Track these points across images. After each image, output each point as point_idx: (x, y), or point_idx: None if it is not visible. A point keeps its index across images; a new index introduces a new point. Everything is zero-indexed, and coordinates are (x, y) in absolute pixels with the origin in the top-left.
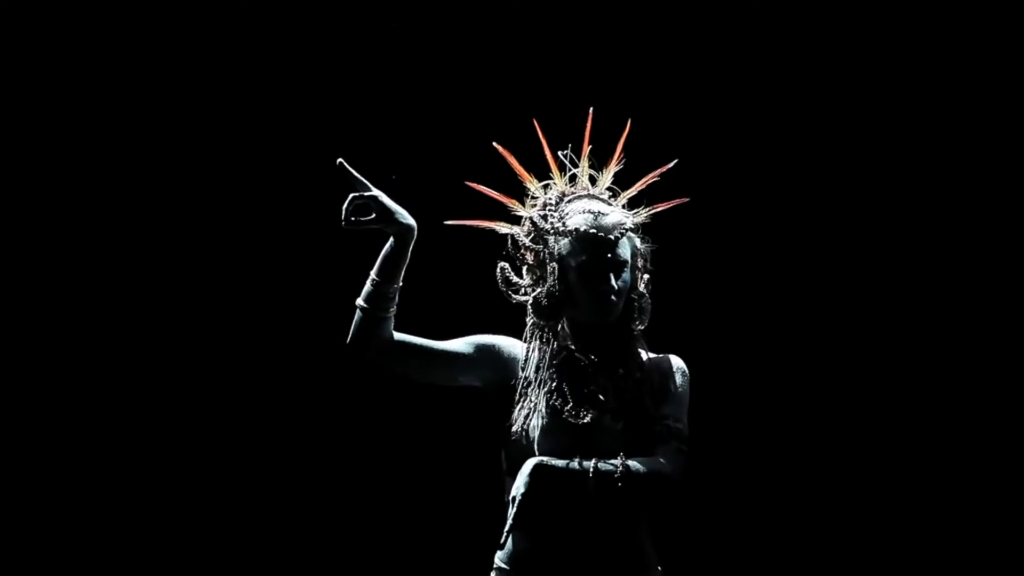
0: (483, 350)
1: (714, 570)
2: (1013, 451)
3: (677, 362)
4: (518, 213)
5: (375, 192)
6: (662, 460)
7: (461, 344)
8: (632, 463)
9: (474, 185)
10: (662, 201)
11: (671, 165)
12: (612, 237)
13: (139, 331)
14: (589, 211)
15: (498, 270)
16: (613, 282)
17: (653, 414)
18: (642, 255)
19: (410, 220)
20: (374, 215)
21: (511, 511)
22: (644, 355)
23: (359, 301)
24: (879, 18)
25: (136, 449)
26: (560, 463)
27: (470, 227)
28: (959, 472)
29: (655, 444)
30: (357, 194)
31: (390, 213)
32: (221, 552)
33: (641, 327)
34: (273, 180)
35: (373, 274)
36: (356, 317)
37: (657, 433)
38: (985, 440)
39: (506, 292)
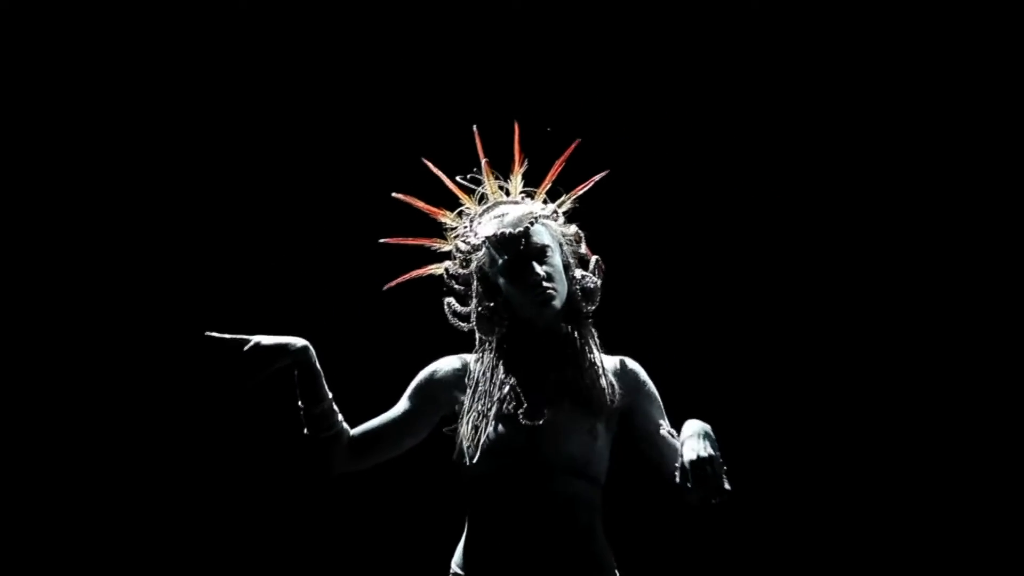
0: (424, 392)
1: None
2: (1010, 449)
3: (638, 367)
4: (444, 249)
5: (254, 339)
6: None
7: (406, 401)
8: None
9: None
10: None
11: (574, 146)
12: (520, 230)
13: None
14: (495, 216)
15: (445, 306)
16: (538, 269)
17: (643, 421)
18: (570, 239)
19: (300, 342)
20: (266, 361)
21: (708, 470)
22: (599, 355)
23: (304, 431)
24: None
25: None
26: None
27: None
28: (937, 467)
29: (666, 450)
30: (241, 352)
31: (279, 349)
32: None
33: (590, 307)
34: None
35: (299, 403)
36: (308, 447)
37: (673, 440)
38: (974, 435)
39: (458, 324)
